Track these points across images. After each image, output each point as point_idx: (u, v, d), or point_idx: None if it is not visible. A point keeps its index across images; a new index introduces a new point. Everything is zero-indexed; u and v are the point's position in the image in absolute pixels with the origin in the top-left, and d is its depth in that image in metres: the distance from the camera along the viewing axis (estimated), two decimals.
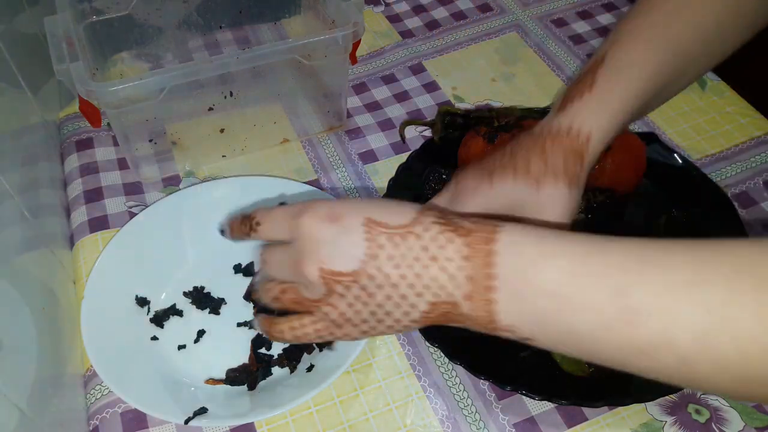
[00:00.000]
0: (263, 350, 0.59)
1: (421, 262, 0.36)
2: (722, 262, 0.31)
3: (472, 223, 0.37)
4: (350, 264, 0.37)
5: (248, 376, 0.56)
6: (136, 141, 0.70)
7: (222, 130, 0.74)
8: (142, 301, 0.60)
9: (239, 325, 0.60)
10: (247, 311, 0.61)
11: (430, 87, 0.82)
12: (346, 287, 0.38)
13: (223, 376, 0.57)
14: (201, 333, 0.60)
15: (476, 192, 0.46)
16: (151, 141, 0.72)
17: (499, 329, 0.37)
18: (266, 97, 0.76)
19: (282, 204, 0.44)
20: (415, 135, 0.77)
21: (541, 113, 0.66)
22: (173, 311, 0.61)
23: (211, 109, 0.71)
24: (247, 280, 0.63)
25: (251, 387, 0.56)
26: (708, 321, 0.30)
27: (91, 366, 0.56)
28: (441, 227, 0.37)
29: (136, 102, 0.63)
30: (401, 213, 0.38)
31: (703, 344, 0.31)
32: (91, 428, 0.54)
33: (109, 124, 0.77)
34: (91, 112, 0.64)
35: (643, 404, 0.54)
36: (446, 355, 0.55)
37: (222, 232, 0.46)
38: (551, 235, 0.36)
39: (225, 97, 0.71)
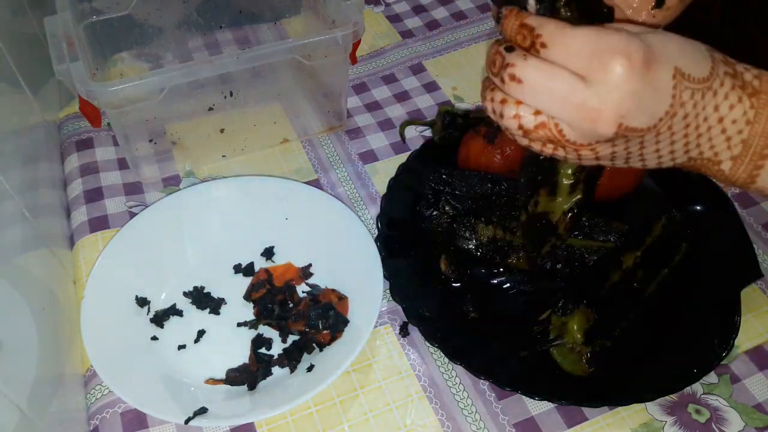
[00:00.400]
0: (263, 350, 0.59)
1: (708, 122, 0.36)
2: None
3: (757, 78, 0.36)
4: (650, 121, 0.34)
5: (248, 376, 0.56)
6: (136, 141, 0.70)
7: (222, 130, 0.74)
8: (142, 301, 0.60)
9: (239, 325, 0.60)
10: (247, 311, 0.61)
11: (430, 87, 0.82)
12: (626, 140, 0.35)
13: (223, 376, 0.57)
14: (201, 333, 0.60)
15: None
16: (151, 141, 0.72)
17: (752, 188, 0.38)
18: (266, 97, 0.76)
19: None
20: (415, 135, 0.77)
21: None
22: (173, 311, 0.61)
23: (211, 109, 0.71)
24: (247, 280, 0.63)
25: (251, 387, 0.56)
26: None
27: (91, 366, 0.56)
28: (732, 81, 0.36)
29: (136, 102, 0.63)
30: (702, 61, 0.35)
31: None
32: (91, 428, 0.54)
33: (109, 124, 0.77)
34: (91, 112, 0.64)
35: (643, 404, 0.54)
36: (446, 355, 0.55)
37: (497, 20, 0.38)
38: None
39: (225, 97, 0.71)
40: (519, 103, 0.35)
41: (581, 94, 0.33)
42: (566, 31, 0.34)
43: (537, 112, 0.35)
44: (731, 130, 0.36)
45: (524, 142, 0.37)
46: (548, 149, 0.37)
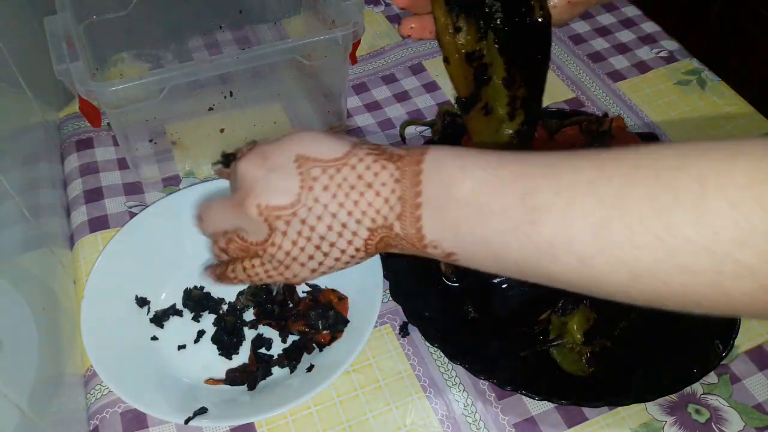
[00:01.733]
0: (263, 350, 0.59)
1: (357, 189, 0.37)
2: (623, 159, 0.33)
3: (404, 150, 0.38)
4: (286, 197, 0.38)
5: (248, 376, 0.56)
6: (136, 141, 0.70)
7: (222, 130, 0.74)
8: (142, 301, 0.60)
9: (239, 325, 0.60)
10: (247, 311, 0.61)
11: (430, 87, 0.82)
12: (286, 222, 0.38)
13: (223, 376, 0.57)
14: (201, 333, 0.60)
15: None
16: (151, 141, 0.72)
17: (427, 246, 0.38)
18: (266, 97, 0.76)
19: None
20: (415, 135, 0.77)
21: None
22: (173, 311, 0.61)
23: (211, 109, 0.71)
24: None
25: (251, 387, 0.56)
26: (604, 213, 0.31)
27: (91, 366, 0.56)
28: (375, 156, 0.38)
29: (136, 102, 0.63)
30: (334, 147, 0.39)
31: (598, 238, 0.32)
32: (91, 428, 0.54)
33: (109, 124, 0.77)
34: (91, 112, 0.63)
35: (643, 404, 0.54)
36: (446, 355, 0.55)
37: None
38: (474, 151, 0.37)
39: (225, 97, 0.71)
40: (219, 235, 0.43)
41: (229, 201, 0.41)
42: (209, 204, 0.43)
43: (224, 233, 0.42)
44: (385, 192, 0.37)
45: (225, 257, 0.44)
46: (248, 262, 0.42)
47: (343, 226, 0.38)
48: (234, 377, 0.56)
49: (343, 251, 0.39)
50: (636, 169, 0.32)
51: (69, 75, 0.59)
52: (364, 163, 0.38)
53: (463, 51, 0.47)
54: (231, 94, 0.71)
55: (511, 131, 0.51)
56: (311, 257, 0.39)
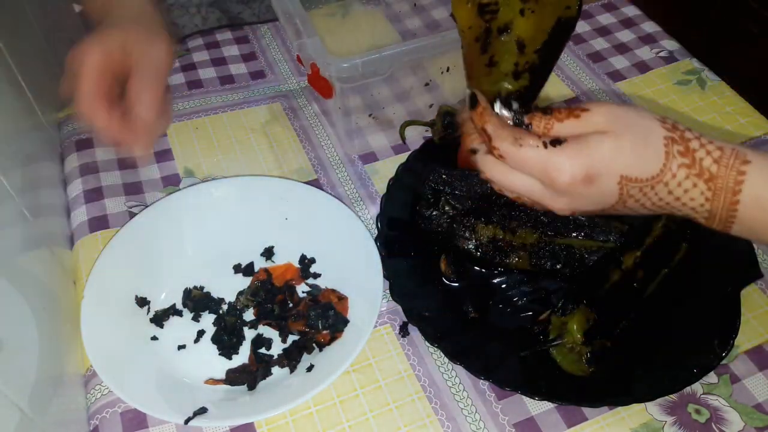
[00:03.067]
0: (263, 350, 0.59)
1: (666, 201, 0.41)
2: None
3: (715, 164, 0.40)
4: (602, 206, 0.42)
5: (248, 376, 0.56)
6: (357, 114, 0.73)
7: (430, 106, 0.77)
8: (142, 301, 0.60)
9: (239, 324, 0.60)
10: (247, 311, 0.61)
11: (430, 87, 0.82)
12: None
13: (223, 376, 0.57)
14: (201, 333, 0.60)
15: None
16: (370, 115, 0.75)
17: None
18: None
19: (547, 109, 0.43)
20: (415, 135, 0.77)
21: None
22: (173, 311, 0.61)
23: (427, 84, 0.75)
24: (247, 280, 0.63)
25: (251, 387, 0.56)
26: None
27: (91, 366, 0.56)
28: (687, 171, 0.40)
29: (365, 78, 0.66)
30: (652, 162, 0.40)
31: None
32: (91, 428, 0.54)
33: None
34: (322, 85, 0.68)
35: (643, 404, 0.54)
36: (446, 355, 0.55)
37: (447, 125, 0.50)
38: None
39: (442, 73, 0.73)
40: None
41: (538, 195, 0.43)
42: (518, 152, 0.41)
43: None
44: (693, 204, 0.41)
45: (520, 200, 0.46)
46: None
47: (646, 209, 0.43)
48: (234, 377, 0.56)
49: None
50: None
51: (306, 48, 0.64)
52: (676, 180, 0.40)
53: (477, 1, 0.45)
54: (447, 69, 0.73)
55: (511, 88, 0.48)
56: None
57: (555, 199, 0.42)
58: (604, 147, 0.40)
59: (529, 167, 0.41)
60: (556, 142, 0.41)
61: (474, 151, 0.45)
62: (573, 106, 0.42)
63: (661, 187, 0.41)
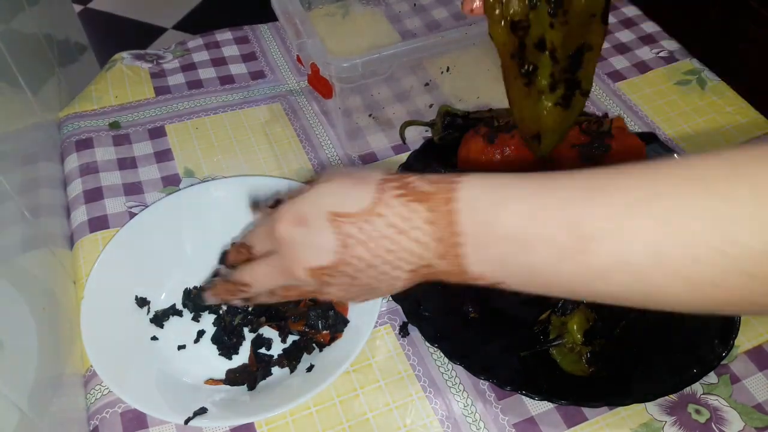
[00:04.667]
0: (263, 350, 0.59)
1: (390, 238, 0.38)
2: (670, 172, 0.32)
3: (432, 184, 0.38)
4: (328, 257, 0.40)
5: (248, 376, 0.56)
6: (357, 114, 0.74)
7: (430, 106, 0.76)
8: (142, 301, 0.60)
9: (239, 325, 0.60)
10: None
11: (430, 87, 0.82)
12: (331, 276, 0.41)
13: (223, 376, 0.57)
14: (201, 333, 0.60)
15: None
16: (370, 115, 0.74)
17: (472, 279, 0.38)
18: (477, 72, 0.77)
19: (277, 201, 0.46)
20: (415, 135, 0.77)
21: None
22: (173, 311, 0.61)
23: (427, 84, 0.75)
24: None
25: (251, 387, 0.56)
26: (660, 232, 0.31)
27: (91, 366, 0.56)
28: (402, 199, 0.38)
29: (364, 78, 0.66)
30: (361, 197, 0.39)
31: (655, 256, 0.31)
32: (91, 428, 0.54)
33: (110, 124, 0.77)
34: (322, 85, 0.68)
35: (643, 404, 0.54)
36: (446, 355, 0.55)
37: (221, 260, 0.50)
38: (506, 181, 0.37)
39: (442, 72, 0.74)
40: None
41: (275, 263, 0.44)
42: (253, 231, 0.47)
43: (285, 290, 0.45)
44: (419, 235, 0.37)
45: (280, 300, 0.46)
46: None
47: (383, 273, 0.39)
48: (234, 377, 0.56)
49: (390, 286, 0.41)
50: (686, 181, 0.31)
51: (306, 48, 0.64)
52: (393, 210, 0.38)
53: (510, 20, 0.47)
54: (447, 69, 0.73)
55: (550, 104, 0.51)
56: (360, 294, 0.43)
57: (285, 260, 0.42)
58: (310, 194, 0.41)
59: (261, 239, 0.45)
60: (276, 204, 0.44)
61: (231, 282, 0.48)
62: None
63: (378, 222, 0.38)
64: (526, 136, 0.54)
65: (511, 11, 0.47)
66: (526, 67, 0.49)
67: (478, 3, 0.49)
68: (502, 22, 0.47)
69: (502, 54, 0.49)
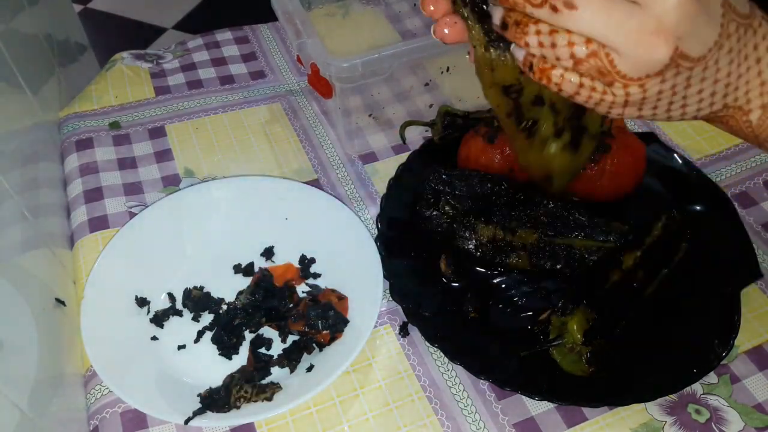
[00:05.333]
0: (263, 350, 0.59)
1: (748, 62, 0.36)
2: None
3: None
4: (701, 49, 0.34)
5: (247, 376, 0.56)
6: (357, 114, 0.74)
7: (431, 105, 0.76)
8: (142, 301, 0.60)
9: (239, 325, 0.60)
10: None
11: (430, 87, 0.82)
12: (676, 72, 0.35)
13: (223, 375, 0.56)
14: (201, 333, 0.60)
15: None
16: (370, 115, 0.74)
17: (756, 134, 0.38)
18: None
19: None
20: (415, 135, 0.77)
21: None
22: (173, 311, 0.61)
23: (427, 84, 0.75)
24: (247, 280, 0.63)
25: None
26: None
27: (91, 366, 0.56)
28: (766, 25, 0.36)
29: (364, 78, 0.66)
30: (743, 0, 0.35)
31: None
32: (91, 428, 0.54)
33: (110, 124, 0.77)
34: (322, 85, 0.68)
35: (643, 404, 0.54)
36: (446, 355, 0.55)
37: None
38: None
39: (442, 72, 0.74)
40: (569, 32, 0.34)
41: (638, 18, 0.33)
42: None
43: (588, 41, 0.34)
44: (766, 74, 0.36)
45: (571, 79, 0.36)
46: (597, 92, 0.36)
47: (712, 94, 0.36)
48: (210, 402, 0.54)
49: (684, 113, 0.37)
50: None
51: (306, 48, 0.64)
52: (762, 30, 0.35)
53: (501, 84, 0.44)
54: (447, 69, 0.73)
55: (557, 149, 0.48)
56: (670, 108, 0.37)
57: (659, 21, 0.32)
58: None
59: None
60: None
61: (505, 26, 0.37)
62: None
63: (750, 34, 0.35)
64: (535, 178, 0.51)
65: (501, 77, 0.43)
66: (524, 123, 0.47)
67: (433, 8, 0.42)
68: (493, 87, 0.44)
69: (499, 113, 0.46)
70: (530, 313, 0.59)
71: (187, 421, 0.51)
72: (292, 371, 0.57)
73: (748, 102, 0.37)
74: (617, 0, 0.33)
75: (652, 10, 0.32)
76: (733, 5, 0.34)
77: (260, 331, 0.60)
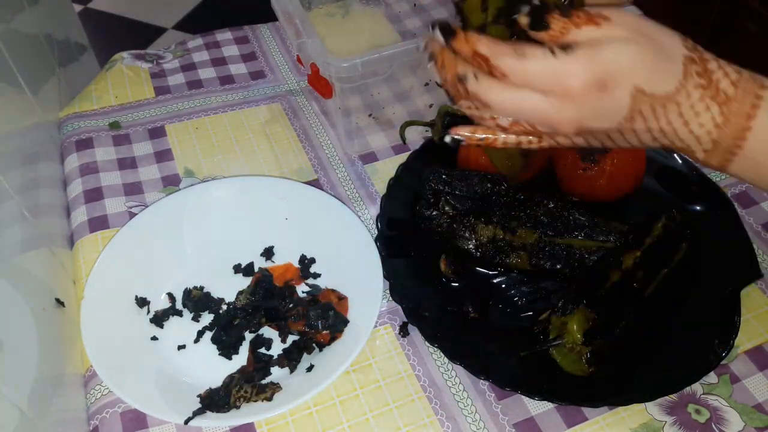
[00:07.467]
0: (263, 350, 0.59)
1: (674, 125, 0.38)
2: None
3: (733, 87, 0.38)
4: (607, 124, 0.38)
5: (247, 377, 0.56)
6: (356, 114, 0.74)
7: (430, 105, 0.76)
8: (142, 301, 0.60)
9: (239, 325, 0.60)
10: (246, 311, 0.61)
11: (431, 87, 0.82)
12: (593, 135, 0.40)
13: (223, 375, 0.56)
14: (201, 333, 0.60)
15: None
16: (370, 115, 0.75)
17: (713, 169, 0.40)
18: None
19: (535, 8, 0.39)
20: (415, 135, 0.77)
21: None
22: (173, 311, 0.61)
23: (427, 84, 0.75)
24: (247, 280, 0.63)
25: None
26: None
27: (91, 366, 0.56)
28: (702, 92, 0.38)
29: (364, 78, 0.67)
30: (667, 80, 0.37)
31: None
32: (91, 428, 0.54)
33: (110, 124, 0.77)
34: (322, 85, 0.68)
35: (643, 404, 0.54)
36: (446, 355, 0.55)
37: (444, 32, 0.40)
38: None
39: None
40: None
41: (543, 109, 0.38)
42: (524, 64, 0.37)
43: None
44: (699, 132, 0.38)
45: (502, 137, 0.41)
46: (530, 141, 0.41)
47: (640, 142, 0.40)
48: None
49: (632, 147, 0.41)
50: None
51: (306, 48, 0.64)
52: (690, 101, 0.37)
53: None
54: None
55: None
56: (602, 143, 0.41)
57: (561, 111, 0.38)
58: (624, 55, 0.37)
59: (537, 78, 0.37)
60: (566, 47, 0.37)
61: (462, 79, 0.39)
62: (593, 11, 0.38)
63: (672, 108, 0.38)
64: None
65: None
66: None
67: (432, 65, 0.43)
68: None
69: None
70: (530, 313, 0.59)
71: (187, 421, 0.51)
72: (292, 371, 0.57)
73: (688, 147, 0.39)
74: (524, 96, 0.38)
75: (555, 104, 0.38)
76: (647, 91, 0.37)
77: (260, 331, 0.60)
